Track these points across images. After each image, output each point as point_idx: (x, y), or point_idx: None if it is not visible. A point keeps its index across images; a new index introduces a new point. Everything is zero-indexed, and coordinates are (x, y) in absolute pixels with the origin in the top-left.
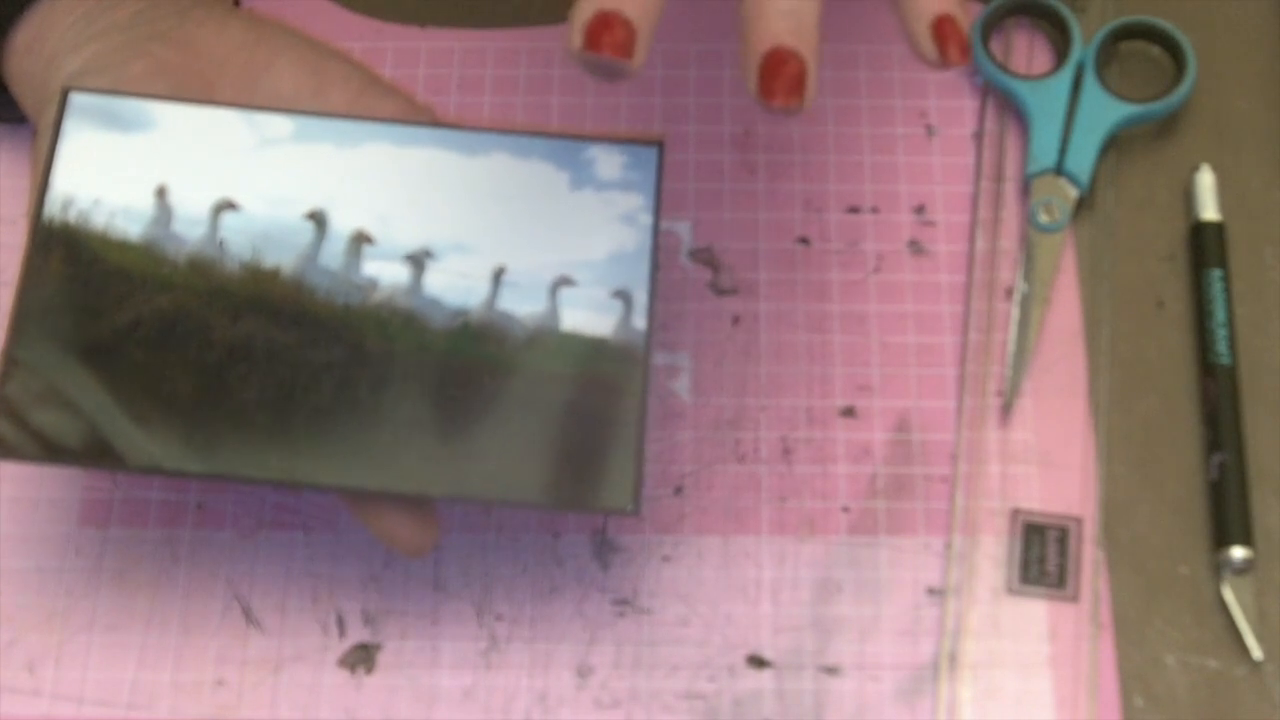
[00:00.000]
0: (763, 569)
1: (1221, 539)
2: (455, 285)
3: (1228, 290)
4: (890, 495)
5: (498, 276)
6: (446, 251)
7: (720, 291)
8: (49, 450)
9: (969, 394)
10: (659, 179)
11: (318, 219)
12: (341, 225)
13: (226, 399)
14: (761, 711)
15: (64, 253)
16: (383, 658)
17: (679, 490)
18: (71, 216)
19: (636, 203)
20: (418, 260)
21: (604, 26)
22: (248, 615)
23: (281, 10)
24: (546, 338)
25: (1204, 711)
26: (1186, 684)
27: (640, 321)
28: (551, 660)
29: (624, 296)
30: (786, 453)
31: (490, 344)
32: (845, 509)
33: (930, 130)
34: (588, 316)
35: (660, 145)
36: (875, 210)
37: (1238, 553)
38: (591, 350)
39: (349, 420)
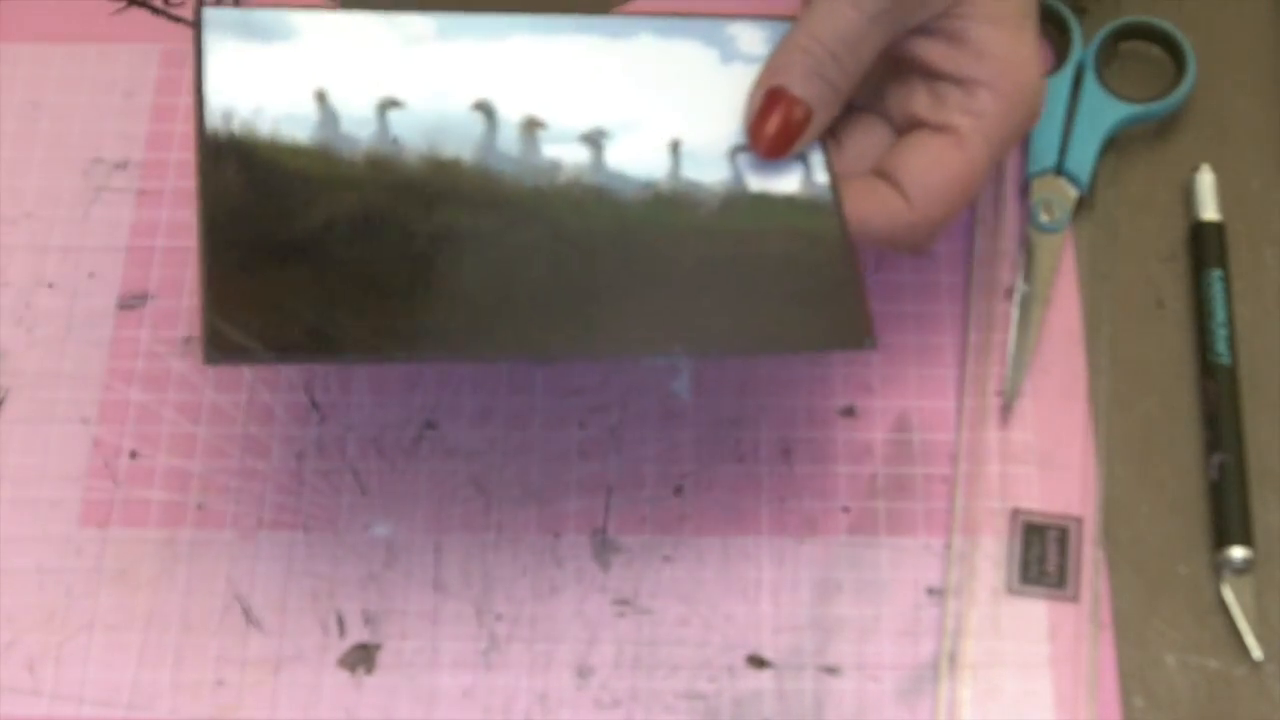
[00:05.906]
0: (763, 569)
1: (1221, 539)
2: (636, 160)
3: (1228, 290)
4: (890, 495)
5: (675, 148)
6: (617, 131)
7: None
8: (278, 349)
9: (969, 394)
10: None
11: (485, 109)
12: (507, 114)
13: (442, 284)
14: (761, 711)
15: (237, 163)
16: (383, 658)
17: (679, 490)
18: (235, 127)
19: None
20: (594, 139)
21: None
22: (248, 615)
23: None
24: (739, 200)
25: (1204, 711)
26: (1186, 684)
27: (821, 176)
28: (551, 660)
29: (800, 156)
30: (786, 453)
31: (685, 211)
32: (845, 509)
33: None
34: (771, 179)
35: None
36: None
37: (1238, 553)
38: (784, 207)
39: (568, 295)
